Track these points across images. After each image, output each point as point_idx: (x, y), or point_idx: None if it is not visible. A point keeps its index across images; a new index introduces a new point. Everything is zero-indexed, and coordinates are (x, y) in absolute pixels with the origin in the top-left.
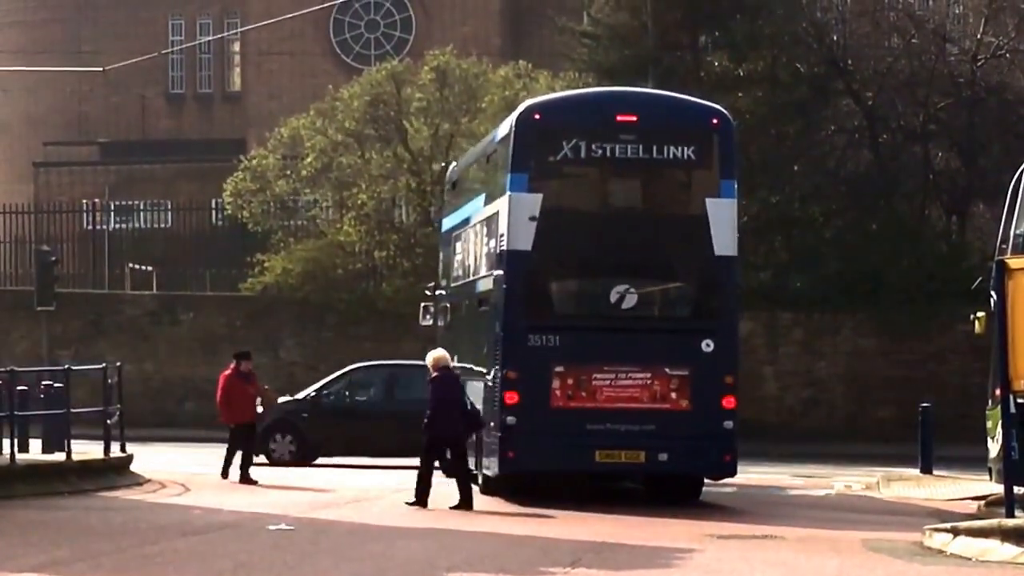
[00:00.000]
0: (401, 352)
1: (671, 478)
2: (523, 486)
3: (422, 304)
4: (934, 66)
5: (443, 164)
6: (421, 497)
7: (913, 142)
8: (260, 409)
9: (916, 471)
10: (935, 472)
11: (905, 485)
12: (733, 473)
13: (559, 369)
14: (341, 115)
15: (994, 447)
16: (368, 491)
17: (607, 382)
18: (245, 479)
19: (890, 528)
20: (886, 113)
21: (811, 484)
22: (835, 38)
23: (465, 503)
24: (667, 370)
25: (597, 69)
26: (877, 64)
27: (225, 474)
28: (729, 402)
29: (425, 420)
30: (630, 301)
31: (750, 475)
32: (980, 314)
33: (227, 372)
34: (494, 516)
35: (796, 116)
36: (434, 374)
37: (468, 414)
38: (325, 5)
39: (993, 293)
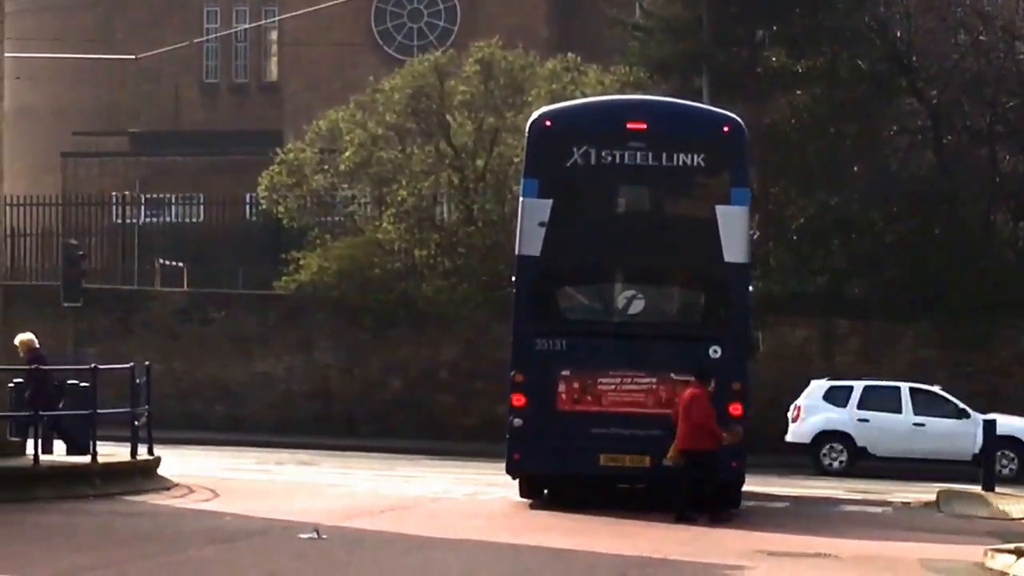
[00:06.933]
0: (441, 355)
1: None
2: (565, 491)
3: None
4: (1002, 64)
5: (486, 160)
6: None
7: (979, 144)
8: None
9: (978, 488)
10: (997, 489)
11: (966, 502)
12: (740, 480)
13: (565, 373)
14: (381, 108)
15: None
16: (405, 499)
17: (613, 386)
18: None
19: (950, 547)
20: (951, 113)
21: (867, 499)
22: (899, 34)
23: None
24: (673, 375)
25: (649, 63)
26: (942, 62)
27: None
28: (736, 408)
29: None
30: (637, 306)
31: (803, 488)
32: None
33: (697, 392)
34: (537, 527)
35: (857, 115)
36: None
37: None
38: None
39: None
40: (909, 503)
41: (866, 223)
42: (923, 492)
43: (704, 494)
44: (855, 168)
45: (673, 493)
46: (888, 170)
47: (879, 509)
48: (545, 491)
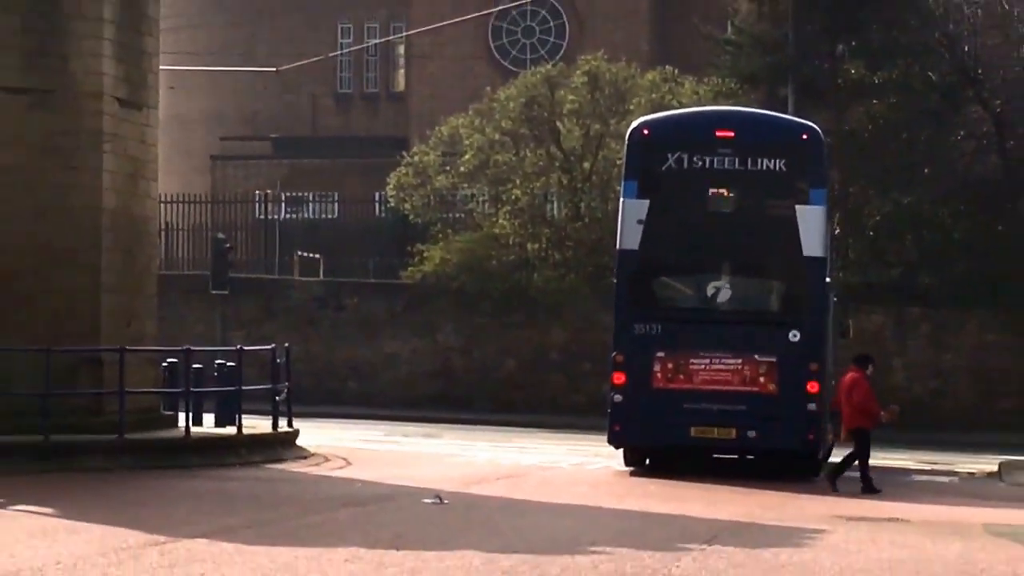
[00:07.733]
0: (551, 339)
1: (788, 456)
2: (664, 460)
3: None
4: None
5: (592, 162)
6: None
7: None
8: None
9: None
10: None
11: None
12: (816, 451)
13: (660, 354)
14: (498, 115)
15: None
16: (519, 468)
17: (702, 366)
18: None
19: (1011, 512)
20: (1014, 120)
21: (935, 470)
22: (966, 48)
23: None
24: (757, 357)
25: (739, 75)
26: (1006, 74)
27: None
28: (813, 386)
29: None
30: (725, 295)
31: (878, 460)
32: None
33: (856, 375)
34: (637, 493)
35: (928, 122)
36: None
37: None
38: (485, 12)
39: None
40: (973, 474)
41: (936, 220)
42: (986, 464)
43: (866, 471)
44: (926, 170)
45: (834, 466)
46: (956, 172)
47: (946, 479)
48: (647, 461)
